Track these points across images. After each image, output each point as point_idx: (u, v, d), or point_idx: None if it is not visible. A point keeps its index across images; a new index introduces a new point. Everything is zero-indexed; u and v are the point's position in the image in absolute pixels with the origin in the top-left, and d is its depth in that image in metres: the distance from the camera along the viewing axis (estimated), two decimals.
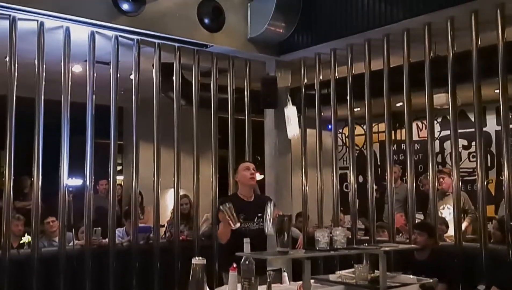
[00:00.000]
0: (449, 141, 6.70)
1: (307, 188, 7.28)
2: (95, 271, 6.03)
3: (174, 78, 6.79)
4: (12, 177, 5.53)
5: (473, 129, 5.72)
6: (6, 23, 5.57)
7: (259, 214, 4.41)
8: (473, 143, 6.81)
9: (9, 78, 5.59)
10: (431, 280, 4.00)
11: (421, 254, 5.29)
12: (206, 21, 6.59)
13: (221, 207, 4.25)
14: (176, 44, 6.69)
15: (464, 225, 6.51)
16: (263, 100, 7.26)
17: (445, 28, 5.82)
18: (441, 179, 6.95)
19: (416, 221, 6.17)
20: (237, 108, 7.30)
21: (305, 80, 7.36)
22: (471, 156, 9.25)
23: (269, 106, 7.39)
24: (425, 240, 5.33)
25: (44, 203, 6.00)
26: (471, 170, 8.96)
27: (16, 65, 5.61)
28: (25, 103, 5.75)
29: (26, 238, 6.14)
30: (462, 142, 8.40)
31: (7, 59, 5.62)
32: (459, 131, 5.91)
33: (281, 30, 6.99)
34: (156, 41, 6.54)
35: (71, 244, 6.04)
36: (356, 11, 6.37)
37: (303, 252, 3.68)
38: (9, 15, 5.55)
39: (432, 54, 6.08)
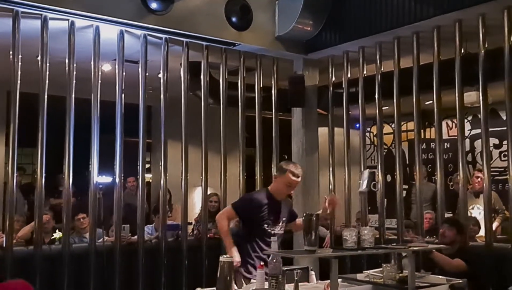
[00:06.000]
0: (479, 140, 6.59)
1: (334, 187, 7.24)
2: (125, 267, 6.11)
3: (202, 76, 6.82)
4: (44, 175, 5.63)
5: (505, 128, 5.62)
6: (37, 23, 5.67)
7: (284, 218, 4.36)
8: (505, 142, 6.68)
9: (41, 77, 5.69)
10: (461, 281, 3.93)
11: (448, 250, 5.16)
12: (234, 19, 6.61)
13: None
14: (204, 43, 6.71)
15: (494, 225, 6.39)
16: (291, 98, 7.25)
17: (476, 25, 5.73)
18: (479, 179, 6.77)
19: None
20: (265, 106, 7.30)
21: (333, 79, 7.32)
22: (502, 155, 9.08)
23: (296, 105, 7.37)
24: (454, 235, 5.14)
25: (75, 200, 6.10)
26: (502, 169, 8.80)
27: (48, 64, 5.72)
28: (56, 102, 5.86)
29: (58, 234, 6.24)
30: (493, 140, 8.26)
31: (39, 58, 5.72)
32: (490, 129, 5.81)
33: (309, 28, 6.96)
34: (184, 39, 6.58)
35: (101, 240, 6.12)
36: (385, 8, 6.30)
37: (331, 251, 3.66)
38: (41, 15, 5.65)
39: (462, 52, 5.99)
